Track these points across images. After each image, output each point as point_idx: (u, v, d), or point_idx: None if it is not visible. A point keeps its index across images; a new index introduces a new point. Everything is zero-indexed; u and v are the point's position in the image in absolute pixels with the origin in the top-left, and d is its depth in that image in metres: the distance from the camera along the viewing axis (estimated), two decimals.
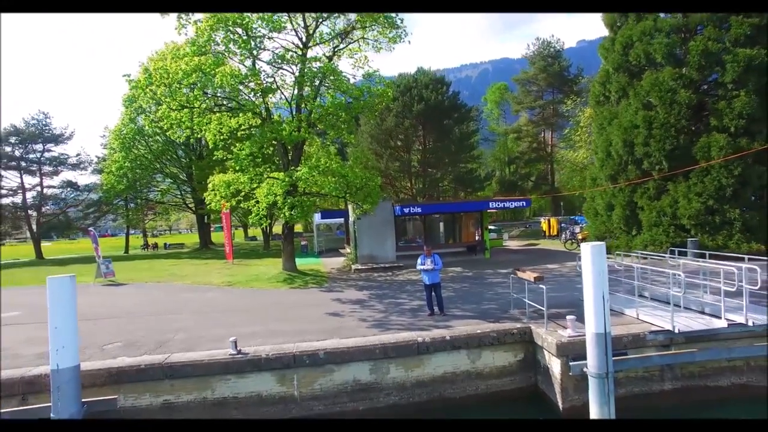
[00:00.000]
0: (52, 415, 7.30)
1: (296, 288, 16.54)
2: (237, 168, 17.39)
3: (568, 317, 8.98)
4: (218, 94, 18.02)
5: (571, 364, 8.23)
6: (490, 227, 26.49)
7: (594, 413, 7.66)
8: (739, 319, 8.78)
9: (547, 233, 32.34)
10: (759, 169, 17.87)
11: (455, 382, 9.33)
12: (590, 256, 7.55)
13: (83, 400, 7.65)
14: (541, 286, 9.44)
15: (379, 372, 9.10)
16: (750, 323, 8.64)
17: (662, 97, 19.23)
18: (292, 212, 16.18)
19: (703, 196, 18.22)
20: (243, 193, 17.93)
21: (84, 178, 48.39)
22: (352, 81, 18.96)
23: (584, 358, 7.89)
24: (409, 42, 19.89)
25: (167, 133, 19.23)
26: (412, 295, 13.96)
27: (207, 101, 17.68)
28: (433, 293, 11.15)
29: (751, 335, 8.75)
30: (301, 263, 22.29)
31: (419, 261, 11.21)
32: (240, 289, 17.03)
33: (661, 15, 20.93)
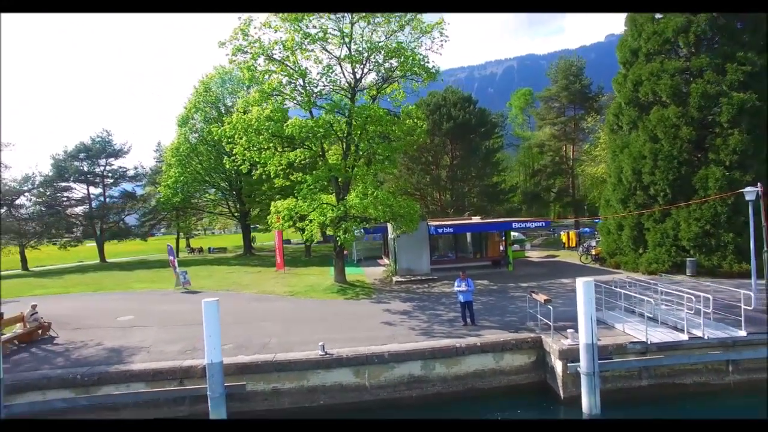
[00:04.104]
0: (208, 393, 10.81)
1: (350, 299, 19.92)
2: (299, 197, 20.87)
3: (568, 330, 12.07)
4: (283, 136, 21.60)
5: (569, 365, 11.32)
6: (513, 234, 29.32)
7: (585, 401, 10.80)
8: (699, 333, 11.72)
9: (566, 245, 35.00)
10: None
11: (484, 377, 12.53)
12: (582, 289, 10.68)
13: (225, 384, 11.12)
14: (549, 306, 12.51)
15: (428, 368, 12.38)
16: (706, 337, 11.60)
17: (667, 132, 21.86)
18: (346, 236, 19.59)
19: (701, 221, 20.80)
20: (299, 215, 21.49)
21: (139, 188, 53.18)
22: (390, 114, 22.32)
23: (579, 360, 10.99)
24: (442, 80, 23.17)
25: (235, 165, 22.85)
26: (448, 307, 17.13)
27: (274, 142, 21.26)
28: (466, 309, 14.32)
29: (707, 346, 11.68)
30: (347, 272, 25.55)
31: (456, 283, 14.39)
32: (302, 299, 20.45)
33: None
